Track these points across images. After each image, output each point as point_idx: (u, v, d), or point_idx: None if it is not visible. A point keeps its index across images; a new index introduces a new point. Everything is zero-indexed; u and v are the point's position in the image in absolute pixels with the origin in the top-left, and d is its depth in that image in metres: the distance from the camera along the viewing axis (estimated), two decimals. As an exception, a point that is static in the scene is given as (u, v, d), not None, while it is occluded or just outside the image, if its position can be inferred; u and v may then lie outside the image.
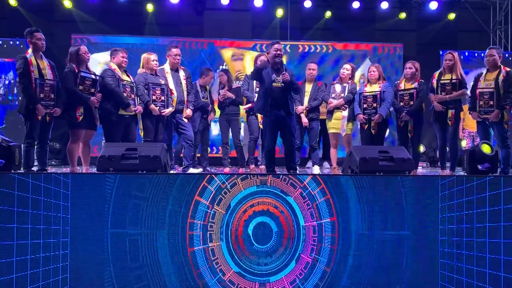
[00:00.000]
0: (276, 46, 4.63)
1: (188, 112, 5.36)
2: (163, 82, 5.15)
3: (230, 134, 6.01)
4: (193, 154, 5.80)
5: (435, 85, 5.10)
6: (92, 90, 4.65)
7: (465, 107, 5.75)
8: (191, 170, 5.30)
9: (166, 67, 5.34)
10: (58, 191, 3.10)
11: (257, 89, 5.54)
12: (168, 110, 5.09)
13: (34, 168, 4.51)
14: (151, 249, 3.17)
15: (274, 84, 4.59)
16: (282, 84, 4.60)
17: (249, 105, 5.62)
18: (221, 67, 8.51)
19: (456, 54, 5.14)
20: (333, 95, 5.62)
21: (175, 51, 5.34)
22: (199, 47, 8.56)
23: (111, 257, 3.13)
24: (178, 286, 3.17)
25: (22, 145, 4.28)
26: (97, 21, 8.88)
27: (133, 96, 4.91)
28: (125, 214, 3.16)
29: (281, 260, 3.26)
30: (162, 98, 5.06)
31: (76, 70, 4.60)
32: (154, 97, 5.00)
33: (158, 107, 5.00)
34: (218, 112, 6.25)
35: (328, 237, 3.28)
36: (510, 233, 3.24)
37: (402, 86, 5.27)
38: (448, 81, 4.99)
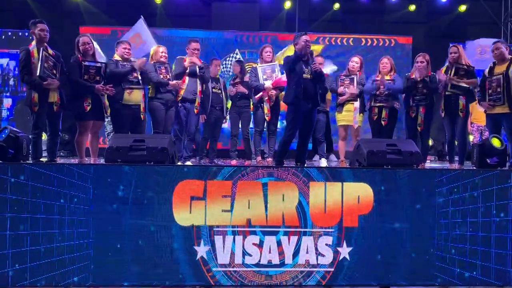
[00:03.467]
0: (304, 37, 4.61)
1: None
2: (168, 67, 5.24)
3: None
4: (202, 147, 5.89)
5: (446, 71, 5.07)
6: (98, 78, 4.66)
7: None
8: (188, 163, 5.32)
9: (186, 58, 5.42)
10: (77, 183, 3.11)
11: (265, 77, 5.54)
12: (173, 82, 5.13)
13: (43, 159, 4.55)
14: (170, 241, 3.18)
15: (304, 75, 4.58)
16: (311, 76, 4.59)
17: (260, 94, 5.57)
18: (233, 55, 8.48)
19: (460, 46, 5.13)
20: (341, 87, 5.58)
21: (194, 45, 5.43)
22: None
23: (134, 248, 3.15)
24: (192, 277, 3.19)
25: (30, 136, 4.32)
26: (104, 13, 8.90)
27: (135, 74, 4.90)
28: (146, 206, 3.17)
29: (290, 250, 3.26)
30: (168, 76, 5.14)
31: (80, 60, 4.62)
32: (161, 76, 5.09)
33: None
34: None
35: (335, 227, 3.27)
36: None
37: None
38: (463, 66, 4.96)
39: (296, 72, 4.58)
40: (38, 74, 4.28)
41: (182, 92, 5.25)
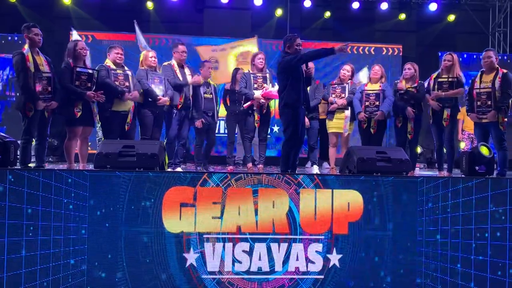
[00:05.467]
0: (298, 40, 4.50)
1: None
2: (163, 78, 5.18)
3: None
4: (197, 154, 5.85)
5: (431, 86, 5.11)
6: (89, 84, 4.63)
7: (463, 108, 5.76)
8: (178, 169, 5.29)
9: (174, 63, 5.39)
10: (65, 188, 3.08)
11: (255, 86, 5.52)
12: (164, 99, 5.07)
13: (31, 165, 4.50)
14: (159, 248, 3.15)
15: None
16: (303, 80, 4.53)
17: (249, 103, 5.54)
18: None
19: (455, 55, 5.15)
20: (333, 96, 5.61)
21: (181, 47, 5.42)
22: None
23: (124, 255, 3.12)
24: (181, 284, 3.16)
25: (19, 141, 4.26)
26: (95, 18, 8.87)
27: (127, 84, 4.86)
28: (136, 213, 3.14)
29: (279, 258, 3.25)
30: (161, 87, 5.10)
31: (72, 65, 4.58)
32: (153, 85, 5.05)
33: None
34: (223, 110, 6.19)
35: (325, 234, 3.27)
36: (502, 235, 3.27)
37: (402, 86, 5.27)
38: (446, 79, 5.01)
39: (300, 73, 4.46)
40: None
41: (182, 99, 5.28)
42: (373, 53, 8.88)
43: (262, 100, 5.45)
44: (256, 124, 5.54)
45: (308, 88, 5.65)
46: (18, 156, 4.10)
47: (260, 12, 9.23)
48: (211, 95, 5.76)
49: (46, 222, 3.06)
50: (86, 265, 3.10)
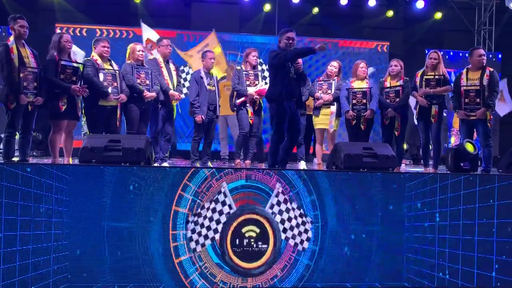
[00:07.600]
0: (288, 34, 4.42)
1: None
2: (149, 72, 5.12)
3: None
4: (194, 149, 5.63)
5: (418, 83, 5.14)
6: (74, 78, 4.56)
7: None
8: (164, 164, 5.24)
9: (159, 57, 5.33)
10: (51, 183, 3.04)
11: (247, 83, 5.49)
12: (150, 94, 4.99)
13: (15, 159, 4.43)
14: (144, 244, 3.13)
15: (290, 74, 4.46)
16: (294, 76, 4.50)
17: (242, 98, 5.50)
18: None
19: (440, 53, 5.20)
20: (320, 92, 5.61)
21: (166, 42, 5.37)
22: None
23: (107, 250, 3.10)
24: (169, 281, 3.15)
25: (2, 135, 4.19)
26: (81, 11, 8.74)
27: (115, 84, 4.79)
28: (120, 207, 3.12)
29: (269, 251, 3.26)
30: (147, 82, 5.02)
31: (57, 59, 4.50)
32: (138, 81, 4.96)
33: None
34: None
35: (311, 229, 3.29)
36: (485, 230, 3.35)
37: (387, 83, 5.30)
38: (432, 76, 5.05)
39: (286, 69, 4.42)
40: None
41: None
42: (363, 49, 8.91)
43: (256, 97, 5.43)
44: (250, 121, 5.52)
45: None
46: (1, 150, 4.03)
47: (248, 6, 9.19)
48: (214, 88, 5.53)
49: (33, 217, 3.02)
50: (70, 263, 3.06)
